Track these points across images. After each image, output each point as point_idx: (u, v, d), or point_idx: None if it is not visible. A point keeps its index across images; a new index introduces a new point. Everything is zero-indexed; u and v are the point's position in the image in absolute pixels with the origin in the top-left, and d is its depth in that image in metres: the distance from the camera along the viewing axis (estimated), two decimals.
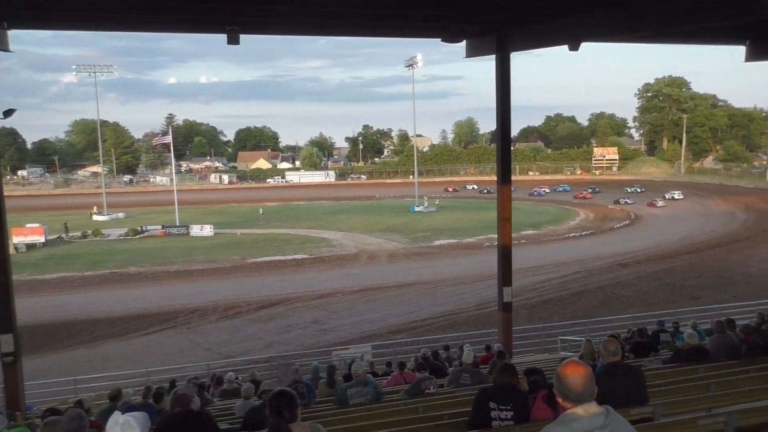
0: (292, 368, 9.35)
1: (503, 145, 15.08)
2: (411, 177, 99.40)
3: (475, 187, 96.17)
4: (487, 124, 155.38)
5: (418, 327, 25.19)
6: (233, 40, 11.90)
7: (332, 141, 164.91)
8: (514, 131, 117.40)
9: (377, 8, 11.92)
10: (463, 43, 14.73)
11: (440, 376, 9.75)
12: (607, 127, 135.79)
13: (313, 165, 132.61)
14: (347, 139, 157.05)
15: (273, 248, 46.97)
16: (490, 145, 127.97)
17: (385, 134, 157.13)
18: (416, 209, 71.21)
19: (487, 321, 24.05)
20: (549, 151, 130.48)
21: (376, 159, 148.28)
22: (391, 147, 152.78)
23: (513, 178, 16.68)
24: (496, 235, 16.31)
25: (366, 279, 35.19)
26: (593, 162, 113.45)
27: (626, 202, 73.13)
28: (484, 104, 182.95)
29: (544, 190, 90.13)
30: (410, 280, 34.61)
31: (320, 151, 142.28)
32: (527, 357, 16.85)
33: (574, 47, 13.22)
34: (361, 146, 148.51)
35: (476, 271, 35.14)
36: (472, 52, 14.83)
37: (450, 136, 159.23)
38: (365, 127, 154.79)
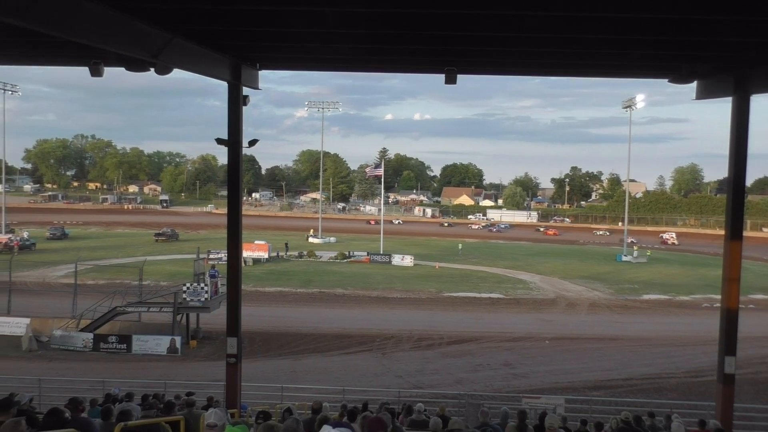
0: (482, 410, 9.21)
1: (735, 196, 13.44)
2: (620, 224, 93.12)
3: None
4: (714, 172, 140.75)
5: (619, 386, 23.20)
6: (450, 80, 12.32)
7: (537, 181, 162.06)
8: (748, 181, 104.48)
9: (598, 48, 11.52)
10: (693, 84, 13.56)
11: None
12: None
13: (515, 204, 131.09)
14: (553, 180, 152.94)
15: (468, 284, 47.06)
16: (715, 195, 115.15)
17: (595, 177, 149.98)
18: (624, 258, 66.47)
19: (701, 392, 21.35)
20: None
21: (583, 202, 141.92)
22: (600, 191, 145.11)
23: (744, 233, 14.77)
24: (716, 295, 14.52)
25: (563, 327, 33.51)
26: None
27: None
28: (712, 150, 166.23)
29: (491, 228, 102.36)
30: (612, 333, 32.16)
31: (524, 191, 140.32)
32: None
33: None
34: (567, 188, 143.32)
35: (690, 333, 31.51)
36: (703, 94, 13.58)
37: (668, 183, 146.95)
38: (573, 168, 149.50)
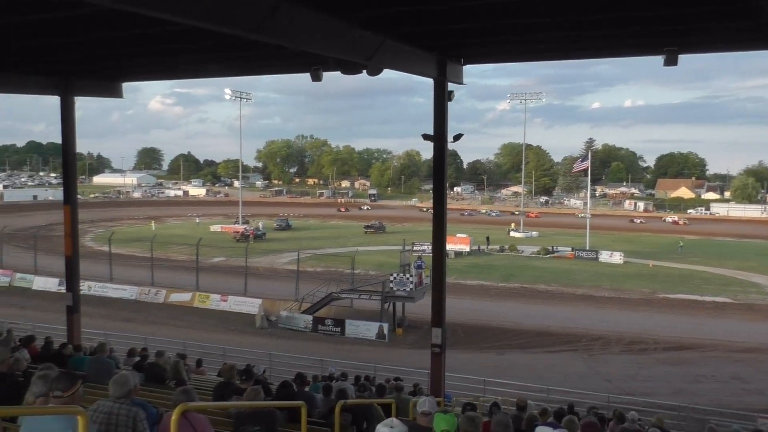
0: (709, 426, 8.32)
1: None
2: None
3: None
4: None
5: None
6: (671, 62, 11.25)
7: None
8: None
9: None
10: None
11: None
12: None
13: (746, 197, 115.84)
14: None
15: (689, 286, 42.65)
16: None
17: None
18: None
19: None
20: None
21: None
22: None
23: None
24: None
25: None
26: None
27: None
28: None
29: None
30: None
31: (757, 182, 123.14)
32: None
33: None
34: None
35: None
36: None
37: None
38: None
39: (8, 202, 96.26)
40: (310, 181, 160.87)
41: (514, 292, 39.96)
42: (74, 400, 3.94)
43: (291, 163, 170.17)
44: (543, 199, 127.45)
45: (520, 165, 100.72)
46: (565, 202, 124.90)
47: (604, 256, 54.61)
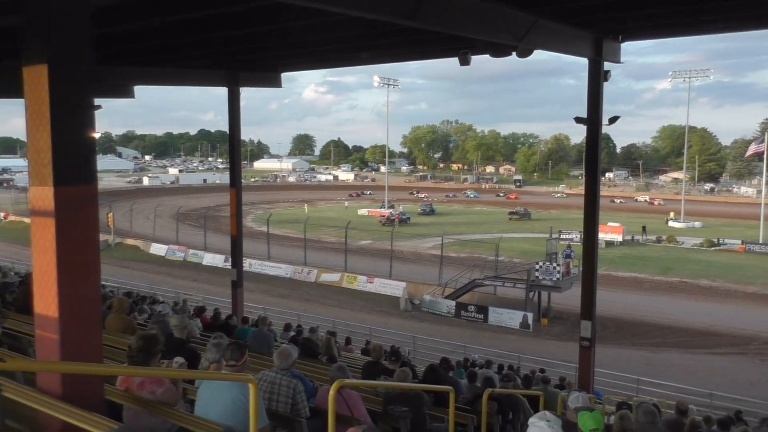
0: None
1: None
2: None
3: None
4: None
5: None
6: None
7: None
8: None
9: None
10: None
11: None
12: None
13: None
14: None
15: None
16: None
17: None
18: None
19: None
20: None
21: None
22: None
23: None
24: None
25: None
26: None
27: None
28: None
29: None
30: None
31: None
32: None
33: None
34: None
35: None
36: None
37: None
38: None
39: (183, 185, 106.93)
40: (455, 167, 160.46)
41: (671, 287, 37.08)
42: (243, 369, 4.29)
43: (436, 148, 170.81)
44: (708, 186, 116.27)
45: (682, 149, 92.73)
46: (735, 189, 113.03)
47: None
